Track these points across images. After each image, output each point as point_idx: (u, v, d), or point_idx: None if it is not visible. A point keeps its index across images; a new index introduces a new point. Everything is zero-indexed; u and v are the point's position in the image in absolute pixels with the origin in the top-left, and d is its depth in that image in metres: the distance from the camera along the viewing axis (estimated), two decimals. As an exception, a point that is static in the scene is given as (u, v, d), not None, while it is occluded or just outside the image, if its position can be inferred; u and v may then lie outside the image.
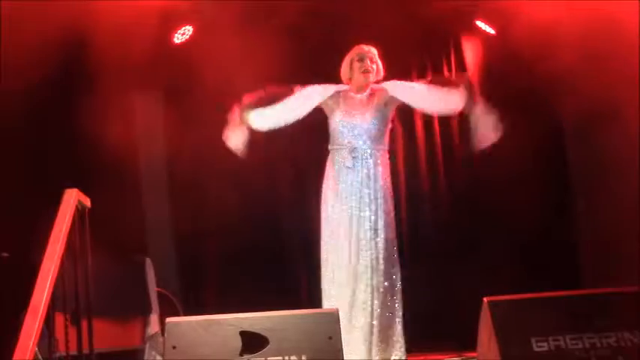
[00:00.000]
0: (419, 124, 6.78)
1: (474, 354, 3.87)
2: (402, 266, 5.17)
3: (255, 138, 5.07)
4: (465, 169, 6.66)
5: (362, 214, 4.63)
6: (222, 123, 6.22)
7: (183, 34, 6.43)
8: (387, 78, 6.63)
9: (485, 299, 3.37)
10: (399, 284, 4.69)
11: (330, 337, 3.13)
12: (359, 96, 4.79)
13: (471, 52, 6.78)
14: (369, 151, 4.70)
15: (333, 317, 3.21)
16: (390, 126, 4.91)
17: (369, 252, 4.60)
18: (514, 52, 5.95)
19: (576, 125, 6.42)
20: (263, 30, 6.02)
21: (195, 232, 6.37)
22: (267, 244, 6.23)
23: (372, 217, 4.64)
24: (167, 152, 6.56)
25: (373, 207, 4.66)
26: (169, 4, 5.83)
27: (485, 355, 3.41)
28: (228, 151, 6.23)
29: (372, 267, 4.58)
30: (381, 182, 4.71)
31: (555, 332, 3.28)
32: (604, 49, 5.20)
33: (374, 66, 4.76)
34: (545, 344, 3.26)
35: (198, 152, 6.13)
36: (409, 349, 4.90)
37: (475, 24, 6.67)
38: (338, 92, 4.81)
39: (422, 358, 5.18)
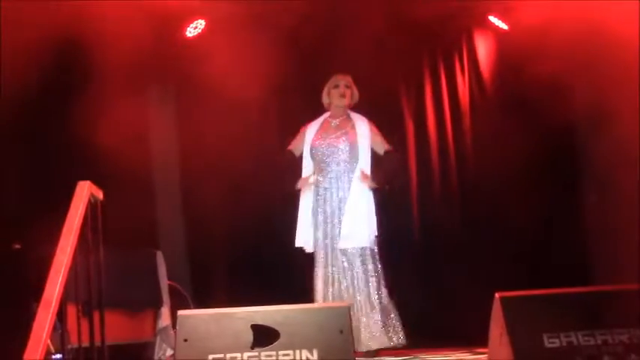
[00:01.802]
0: (431, 121, 6.78)
1: (484, 350, 3.86)
2: (414, 263, 5.22)
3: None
4: (475, 166, 6.66)
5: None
6: (234, 117, 6.28)
7: (195, 28, 6.44)
8: (400, 75, 6.68)
9: (497, 295, 3.37)
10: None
11: (341, 331, 3.12)
12: (334, 121, 5.30)
13: (483, 47, 6.78)
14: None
15: (344, 311, 3.20)
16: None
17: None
18: (528, 46, 5.93)
19: (588, 120, 6.39)
20: (272, 27, 6.04)
21: (206, 225, 6.39)
22: (279, 237, 6.23)
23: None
24: (179, 146, 6.58)
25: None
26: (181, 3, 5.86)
27: (496, 350, 3.40)
28: (239, 146, 6.28)
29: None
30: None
31: (567, 328, 3.27)
32: (615, 43, 5.18)
33: (348, 91, 5.30)
34: (556, 340, 3.25)
35: (211, 146, 6.14)
36: (419, 345, 4.94)
37: (488, 20, 6.66)
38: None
39: (432, 353, 5.18)
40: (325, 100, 5.39)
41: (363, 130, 5.21)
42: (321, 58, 6.28)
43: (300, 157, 5.32)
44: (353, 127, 5.23)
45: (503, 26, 6.60)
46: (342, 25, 6.30)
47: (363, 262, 5.02)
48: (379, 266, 5.06)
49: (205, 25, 6.43)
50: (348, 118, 5.31)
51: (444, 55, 6.87)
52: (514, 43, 6.34)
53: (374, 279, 5.02)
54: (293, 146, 5.38)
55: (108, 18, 5.13)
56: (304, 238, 5.18)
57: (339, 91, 5.29)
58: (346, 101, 5.30)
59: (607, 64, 5.26)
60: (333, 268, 5.05)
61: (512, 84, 6.41)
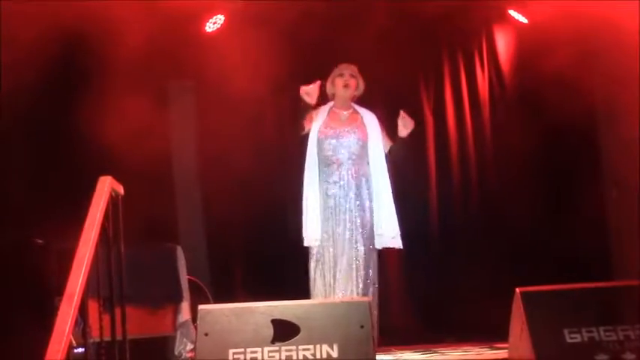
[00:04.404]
0: (450, 115, 6.76)
1: (504, 344, 3.84)
2: (433, 258, 5.12)
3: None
4: (495, 161, 6.63)
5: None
6: (252, 113, 6.29)
7: (214, 24, 6.45)
8: (420, 69, 6.65)
9: (517, 290, 3.35)
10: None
11: (362, 326, 3.13)
12: (343, 113, 5.06)
13: (503, 41, 6.75)
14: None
15: (365, 306, 3.20)
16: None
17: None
18: (548, 40, 5.90)
19: (606, 114, 6.35)
20: (290, 23, 6.04)
21: (226, 220, 6.41)
22: (298, 232, 6.24)
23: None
24: (199, 141, 6.59)
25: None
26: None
27: (516, 345, 3.39)
28: (258, 142, 6.29)
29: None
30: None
31: (588, 324, 3.26)
32: (633, 38, 5.15)
33: (353, 81, 5.06)
34: (578, 335, 3.24)
35: (231, 141, 6.15)
36: (438, 340, 4.89)
37: (508, 14, 6.62)
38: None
39: (452, 348, 5.17)
40: (329, 89, 5.13)
41: (373, 127, 5.01)
42: (341, 53, 6.24)
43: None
44: (362, 122, 5.02)
45: (523, 20, 6.56)
46: (361, 20, 6.27)
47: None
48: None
49: (224, 21, 6.44)
50: (356, 111, 5.09)
51: (463, 49, 6.84)
52: (534, 37, 6.32)
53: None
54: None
55: (125, 14, 5.15)
56: (314, 236, 4.86)
57: (343, 80, 5.05)
58: (350, 92, 5.06)
59: (626, 58, 5.23)
60: (337, 268, 4.81)
61: (531, 78, 6.37)
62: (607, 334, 3.23)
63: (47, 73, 5.13)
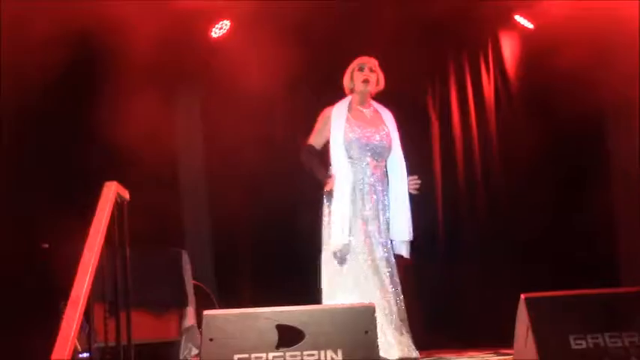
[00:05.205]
0: (455, 117, 6.76)
1: (509, 351, 3.84)
2: (438, 264, 5.08)
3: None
4: (500, 164, 6.63)
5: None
6: (258, 117, 6.29)
7: (220, 29, 6.47)
8: (425, 73, 6.64)
9: (522, 296, 3.34)
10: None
11: (367, 332, 3.12)
12: (365, 111, 4.80)
13: (509, 46, 6.76)
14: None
15: (370, 312, 3.20)
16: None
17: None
18: (553, 44, 5.90)
19: (617, 116, 6.34)
20: (295, 26, 6.05)
21: (232, 225, 6.42)
22: (304, 237, 6.24)
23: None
24: (205, 147, 6.61)
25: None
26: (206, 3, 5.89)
27: (521, 352, 3.38)
28: (264, 146, 6.29)
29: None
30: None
31: (594, 330, 3.23)
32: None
33: (374, 75, 4.78)
34: (583, 342, 3.22)
35: (236, 147, 6.16)
36: (443, 346, 4.86)
37: (513, 18, 6.63)
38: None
39: (456, 354, 5.16)
40: (348, 83, 4.83)
41: (392, 127, 4.78)
42: (345, 56, 6.23)
43: (322, 150, 4.78)
44: (384, 121, 4.76)
45: (529, 25, 6.57)
46: (367, 24, 6.28)
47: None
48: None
49: (230, 26, 6.45)
50: (376, 110, 4.82)
51: (469, 53, 6.84)
52: (539, 42, 6.32)
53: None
54: (313, 139, 4.78)
55: (131, 17, 5.17)
56: (343, 241, 4.50)
57: (362, 75, 4.74)
58: (370, 86, 4.76)
59: (632, 60, 5.22)
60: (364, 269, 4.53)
61: (537, 82, 6.38)
62: (612, 340, 3.22)
63: (53, 77, 5.14)
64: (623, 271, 6.18)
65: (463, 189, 6.67)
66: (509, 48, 6.79)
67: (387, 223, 4.67)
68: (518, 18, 6.60)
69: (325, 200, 4.70)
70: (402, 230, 4.67)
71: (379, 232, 4.61)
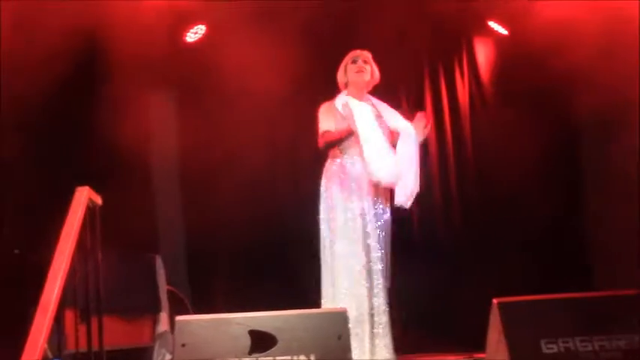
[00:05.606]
0: (429, 123, 6.77)
1: (482, 355, 3.85)
2: (414, 266, 5.08)
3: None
4: (476, 171, 6.65)
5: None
6: (235, 121, 6.26)
7: (195, 33, 6.46)
8: (401, 77, 6.64)
9: (494, 300, 3.36)
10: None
11: (339, 337, 3.13)
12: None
13: (483, 52, 6.78)
14: None
15: (342, 317, 3.21)
16: None
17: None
18: (528, 51, 5.94)
19: (591, 125, 6.39)
20: (276, 29, 6.03)
21: (206, 230, 6.38)
22: (278, 242, 6.23)
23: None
24: (179, 151, 6.58)
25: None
26: (182, 4, 5.85)
27: (493, 356, 3.40)
28: (239, 150, 6.27)
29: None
30: None
31: (565, 334, 3.27)
32: (621, 48, 5.19)
33: (367, 67, 4.78)
34: (554, 346, 3.25)
35: (210, 151, 6.14)
36: (417, 349, 4.88)
37: (487, 24, 6.66)
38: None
39: (430, 357, 5.17)
40: (341, 78, 4.82)
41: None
42: (325, 59, 6.20)
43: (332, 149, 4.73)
44: (381, 115, 4.74)
45: (503, 31, 6.60)
46: (342, 29, 6.28)
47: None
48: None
49: (206, 29, 6.43)
50: (374, 104, 4.79)
51: (443, 59, 6.86)
52: (514, 48, 6.36)
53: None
54: (325, 137, 4.67)
55: (108, 20, 5.14)
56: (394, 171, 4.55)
57: (356, 66, 4.74)
58: (365, 77, 4.75)
59: (610, 70, 5.26)
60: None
61: (511, 88, 6.42)
62: (583, 344, 3.25)
63: (25, 82, 5.09)
64: (597, 276, 6.24)
65: (437, 194, 6.67)
66: (483, 54, 6.82)
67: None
68: (492, 24, 6.63)
69: (322, 200, 4.74)
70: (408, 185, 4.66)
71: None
